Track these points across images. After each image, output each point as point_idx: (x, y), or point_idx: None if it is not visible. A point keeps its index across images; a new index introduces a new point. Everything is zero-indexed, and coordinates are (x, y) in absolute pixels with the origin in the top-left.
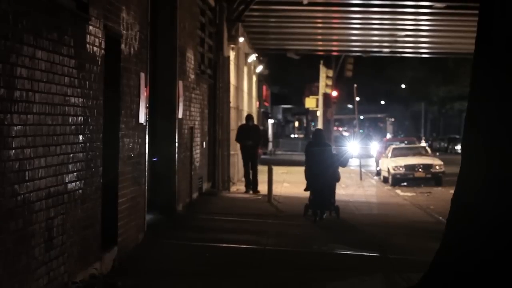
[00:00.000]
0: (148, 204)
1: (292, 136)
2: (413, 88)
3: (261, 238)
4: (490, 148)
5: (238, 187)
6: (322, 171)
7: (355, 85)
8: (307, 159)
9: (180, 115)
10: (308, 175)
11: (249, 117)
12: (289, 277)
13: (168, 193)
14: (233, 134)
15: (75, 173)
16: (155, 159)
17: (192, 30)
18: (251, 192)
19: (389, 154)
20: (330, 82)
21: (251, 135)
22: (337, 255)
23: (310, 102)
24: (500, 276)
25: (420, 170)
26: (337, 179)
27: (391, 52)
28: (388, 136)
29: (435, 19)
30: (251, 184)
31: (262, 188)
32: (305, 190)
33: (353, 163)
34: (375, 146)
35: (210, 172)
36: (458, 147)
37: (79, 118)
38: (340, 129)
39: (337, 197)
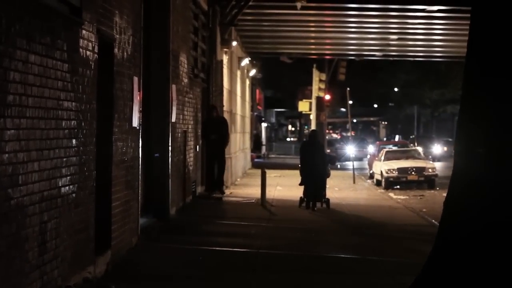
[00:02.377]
0: (141, 208)
1: (288, 139)
2: (406, 92)
3: (255, 241)
4: (482, 152)
5: (231, 191)
6: (315, 168)
7: (348, 89)
8: (302, 157)
9: (173, 119)
10: (302, 171)
11: (211, 108)
12: (282, 280)
13: (161, 196)
14: None
15: (68, 177)
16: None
17: (185, 34)
18: (214, 195)
19: (382, 157)
20: (323, 86)
21: (214, 128)
22: (330, 258)
23: (303, 106)
24: (494, 278)
25: (413, 173)
26: (328, 174)
27: (383, 55)
28: (397, 138)
29: (427, 22)
30: (215, 184)
31: (255, 191)
32: (300, 184)
33: (348, 166)
34: (371, 149)
35: (204, 175)
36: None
37: (73, 122)
38: (331, 131)
39: (330, 200)
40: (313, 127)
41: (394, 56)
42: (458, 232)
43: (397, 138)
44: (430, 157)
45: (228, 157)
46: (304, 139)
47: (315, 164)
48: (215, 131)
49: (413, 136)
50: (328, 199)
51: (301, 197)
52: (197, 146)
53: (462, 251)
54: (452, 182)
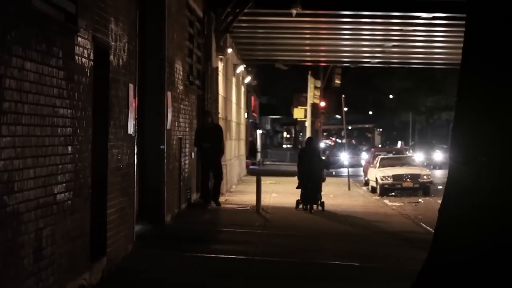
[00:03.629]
0: (137, 215)
1: (284, 146)
2: (401, 98)
3: (250, 248)
4: (476, 160)
5: (227, 198)
6: (311, 172)
7: (343, 96)
8: (299, 163)
9: (168, 126)
10: (300, 176)
11: (205, 114)
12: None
13: (156, 203)
14: None
15: (64, 184)
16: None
17: (180, 41)
18: (209, 207)
19: (377, 164)
20: (318, 93)
21: (209, 136)
22: (325, 265)
23: (298, 113)
24: (488, 285)
25: (408, 180)
26: (323, 179)
27: (379, 62)
28: (399, 144)
29: (422, 29)
30: (210, 194)
31: (250, 198)
32: (297, 187)
33: (342, 173)
34: (364, 156)
35: (199, 182)
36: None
37: (68, 129)
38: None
39: (325, 207)
40: (308, 134)
41: (388, 63)
42: (453, 240)
43: (399, 144)
44: (425, 164)
45: (223, 164)
46: (301, 146)
47: (312, 169)
48: (208, 139)
49: (413, 143)
50: (323, 202)
51: (297, 200)
52: (192, 153)
53: (457, 258)
54: (447, 190)
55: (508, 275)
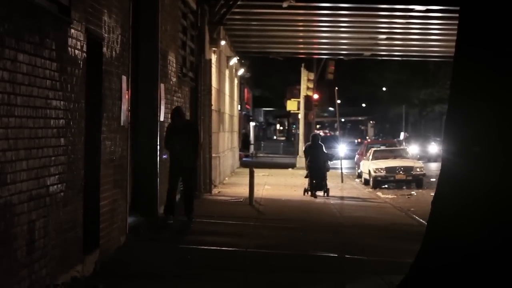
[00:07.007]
0: (130, 207)
1: (281, 138)
2: (394, 91)
3: (243, 241)
4: (469, 152)
5: (220, 190)
6: (317, 164)
7: (336, 88)
8: (307, 157)
9: (162, 118)
10: (308, 167)
11: (176, 112)
12: (270, 280)
13: (149, 195)
14: (214, 137)
15: (56, 176)
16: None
17: (174, 33)
18: (170, 221)
19: (370, 157)
20: (311, 85)
21: (181, 136)
22: (318, 258)
23: (291, 105)
24: (480, 278)
25: (401, 172)
26: (328, 169)
27: (372, 55)
28: (402, 135)
29: (416, 22)
30: (174, 206)
31: (243, 190)
32: (305, 177)
33: (337, 165)
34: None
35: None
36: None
37: (61, 121)
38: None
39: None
40: (301, 126)
41: (382, 55)
42: (446, 231)
43: (402, 135)
44: (418, 156)
45: (216, 156)
46: (309, 142)
47: (317, 162)
48: (180, 139)
49: (407, 135)
50: (328, 189)
51: (305, 188)
52: None
53: (450, 249)
54: (440, 181)
55: (500, 266)
